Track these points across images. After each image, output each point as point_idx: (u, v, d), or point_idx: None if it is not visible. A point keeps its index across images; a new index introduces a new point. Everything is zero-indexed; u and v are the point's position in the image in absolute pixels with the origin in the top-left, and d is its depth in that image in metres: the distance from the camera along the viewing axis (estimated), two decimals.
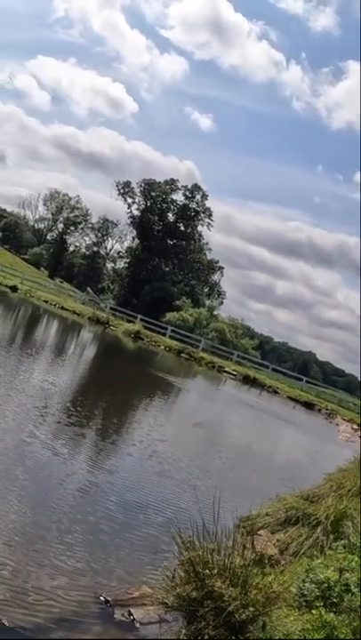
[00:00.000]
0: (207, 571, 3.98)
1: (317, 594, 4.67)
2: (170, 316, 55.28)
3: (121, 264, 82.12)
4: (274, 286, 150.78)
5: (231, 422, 20.30)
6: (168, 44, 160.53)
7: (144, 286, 68.34)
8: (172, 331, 43.95)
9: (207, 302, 69.76)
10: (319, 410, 34.15)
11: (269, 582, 4.08)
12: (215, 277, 78.61)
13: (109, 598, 4.71)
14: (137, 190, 73.52)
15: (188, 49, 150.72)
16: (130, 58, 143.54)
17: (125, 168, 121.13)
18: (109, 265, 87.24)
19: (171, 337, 42.73)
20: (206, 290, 77.00)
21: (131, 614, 4.52)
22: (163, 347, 38.89)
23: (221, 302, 76.70)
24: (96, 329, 37.53)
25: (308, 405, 34.54)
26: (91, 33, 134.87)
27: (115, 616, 4.52)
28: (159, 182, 73.62)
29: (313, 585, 4.74)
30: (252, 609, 3.73)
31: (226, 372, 37.04)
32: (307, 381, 43.34)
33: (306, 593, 4.72)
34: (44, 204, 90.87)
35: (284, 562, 6.04)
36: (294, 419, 27.65)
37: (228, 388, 31.44)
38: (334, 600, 4.60)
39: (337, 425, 30.03)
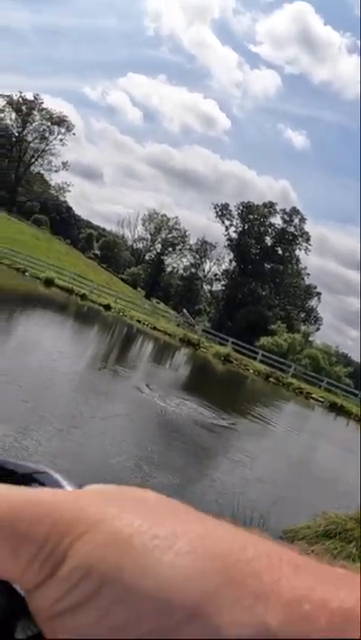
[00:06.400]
0: None
1: None
2: (264, 340, 55.44)
3: (218, 286, 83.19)
4: None
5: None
6: (258, 60, 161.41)
7: (239, 309, 68.86)
8: (263, 355, 44.15)
9: (303, 328, 69.23)
10: None
11: None
12: (312, 303, 78.12)
13: None
14: (235, 212, 74.57)
15: (278, 64, 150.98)
16: (220, 74, 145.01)
17: (220, 187, 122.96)
18: (206, 287, 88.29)
19: (261, 361, 42.95)
20: (303, 315, 76.56)
21: None
22: (252, 370, 39.21)
23: (318, 328, 76.05)
24: (187, 350, 38.40)
25: None
26: (180, 50, 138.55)
27: None
28: (257, 205, 74.34)
29: None
30: None
31: (313, 398, 36.88)
32: None
33: None
34: (143, 224, 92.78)
35: None
36: None
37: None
38: None
39: None
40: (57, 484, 0.44)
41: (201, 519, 0.30)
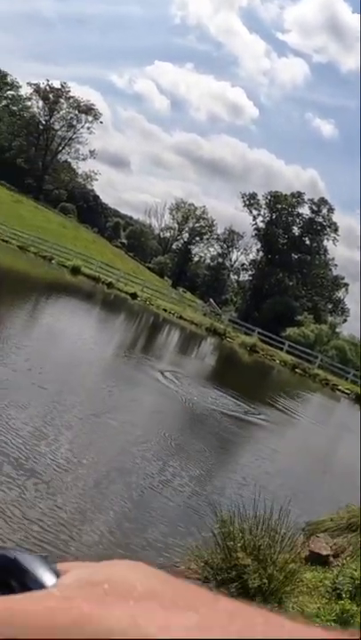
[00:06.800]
0: (231, 542, 4.55)
1: (349, 588, 5.06)
2: (290, 331, 55.08)
3: (245, 276, 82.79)
4: None
5: None
6: (285, 48, 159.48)
7: (266, 300, 68.49)
8: (290, 346, 43.88)
9: (329, 319, 68.63)
10: None
11: (286, 561, 4.55)
12: (339, 294, 77.36)
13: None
14: (262, 202, 74.03)
15: (306, 52, 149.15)
16: (248, 62, 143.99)
17: (247, 176, 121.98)
18: (233, 277, 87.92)
19: (287, 352, 42.68)
20: (330, 306, 75.88)
21: None
22: (278, 361, 39.01)
23: (345, 320, 75.25)
24: (213, 340, 38.34)
25: None
26: (207, 37, 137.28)
27: None
28: (285, 195, 73.62)
29: (346, 579, 5.14)
30: (266, 581, 4.24)
31: (339, 390, 36.57)
32: None
33: (339, 587, 5.12)
34: (170, 213, 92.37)
35: (336, 563, 6.41)
36: None
37: None
38: None
39: None
40: (29, 571, 0.41)
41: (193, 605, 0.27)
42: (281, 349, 43.04)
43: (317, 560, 6.35)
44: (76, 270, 40.79)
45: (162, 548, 6.04)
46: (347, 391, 36.60)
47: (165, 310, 41.73)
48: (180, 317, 41.30)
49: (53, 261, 41.89)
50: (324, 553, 6.50)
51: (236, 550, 4.44)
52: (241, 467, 11.18)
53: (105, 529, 6.00)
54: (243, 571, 4.30)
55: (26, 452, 7.27)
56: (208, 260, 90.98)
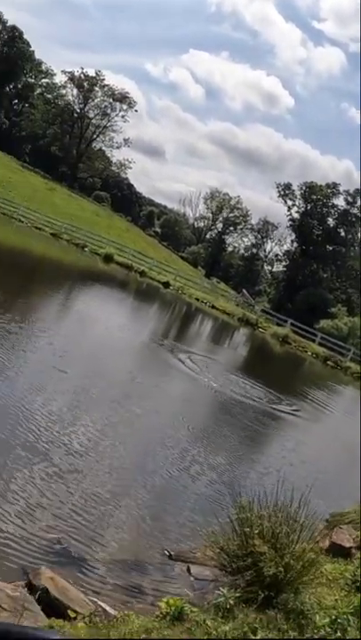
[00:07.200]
0: (248, 529, 4.43)
1: None
2: (323, 323, 54.44)
3: (278, 267, 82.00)
4: None
5: None
6: (321, 37, 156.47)
7: (300, 291, 67.82)
8: (322, 338, 43.36)
9: None
10: None
11: (304, 550, 4.41)
12: None
13: (173, 553, 5.30)
14: (297, 193, 73.14)
15: (343, 41, 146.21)
16: (284, 51, 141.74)
17: (283, 166, 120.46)
18: (267, 268, 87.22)
19: (320, 344, 42.18)
20: None
21: (189, 570, 5.07)
22: (310, 353, 38.58)
23: None
24: (245, 330, 38.15)
25: None
26: (243, 26, 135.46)
27: (174, 569, 5.11)
28: (320, 185, 72.54)
29: None
30: (282, 569, 4.11)
31: None
32: None
33: (359, 579, 4.98)
34: (205, 203, 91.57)
35: (358, 555, 6.25)
36: None
37: None
38: None
39: None
40: None
41: None
42: (313, 341, 42.54)
43: (339, 552, 6.20)
44: (108, 258, 40.90)
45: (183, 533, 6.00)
46: None
47: (198, 299, 41.60)
48: (213, 307, 41.17)
49: (86, 249, 42.07)
50: (347, 545, 6.35)
51: (253, 537, 4.34)
52: (266, 457, 11.06)
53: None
54: (258, 558, 4.19)
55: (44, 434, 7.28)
56: (242, 251, 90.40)
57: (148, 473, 7.42)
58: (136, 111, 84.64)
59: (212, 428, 11.16)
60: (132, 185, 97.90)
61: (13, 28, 78.53)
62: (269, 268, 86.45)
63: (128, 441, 8.38)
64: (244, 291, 57.29)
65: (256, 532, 4.39)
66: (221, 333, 34.32)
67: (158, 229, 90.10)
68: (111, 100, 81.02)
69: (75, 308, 20.46)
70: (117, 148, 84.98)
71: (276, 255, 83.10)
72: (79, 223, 48.28)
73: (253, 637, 3.48)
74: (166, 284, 41.29)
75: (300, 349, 38.65)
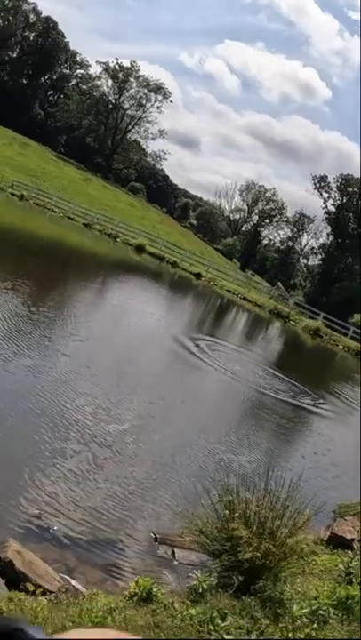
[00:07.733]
0: (227, 512, 4.29)
1: None
2: (357, 317, 53.77)
3: (314, 261, 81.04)
4: None
5: None
6: (358, 27, 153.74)
7: (335, 285, 66.99)
8: (354, 332, 42.66)
9: None
10: None
11: (288, 537, 4.24)
12: None
13: (159, 536, 5.19)
14: (333, 185, 72.04)
15: None
16: (320, 41, 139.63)
17: (319, 159, 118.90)
18: (303, 261, 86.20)
19: (352, 338, 41.49)
20: None
21: (173, 553, 4.96)
22: (341, 346, 37.99)
23: None
24: (276, 322, 37.80)
25: None
26: (279, 16, 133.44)
27: (158, 551, 5.00)
28: (357, 178, 71.18)
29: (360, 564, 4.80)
30: (258, 554, 3.96)
31: None
32: None
33: (352, 571, 4.79)
34: (240, 195, 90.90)
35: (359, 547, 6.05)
36: None
37: None
38: None
39: None
40: None
41: None
42: (345, 335, 41.90)
43: (341, 543, 6.01)
44: (140, 248, 40.90)
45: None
46: None
47: (229, 291, 41.29)
48: (244, 299, 40.85)
49: (118, 239, 42.14)
50: (349, 537, 6.16)
51: (233, 520, 4.19)
52: (292, 452, 10.88)
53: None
54: (237, 542, 4.05)
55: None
56: (277, 244, 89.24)
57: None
58: (171, 102, 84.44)
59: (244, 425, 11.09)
60: (168, 176, 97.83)
61: (48, 19, 78.76)
62: (305, 261, 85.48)
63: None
64: (280, 284, 56.66)
65: (236, 515, 4.24)
66: (253, 327, 34.04)
67: (193, 221, 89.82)
68: (146, 91, 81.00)
69: (106, 296, 20.53)
70: (153, 139, 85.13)
71: (312, 248, 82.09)
72: (113, 214, 48.42)
73: (220, 623, 3.35)
74: (198, 275, 41.08)
75: (331, 343, 38.06)
